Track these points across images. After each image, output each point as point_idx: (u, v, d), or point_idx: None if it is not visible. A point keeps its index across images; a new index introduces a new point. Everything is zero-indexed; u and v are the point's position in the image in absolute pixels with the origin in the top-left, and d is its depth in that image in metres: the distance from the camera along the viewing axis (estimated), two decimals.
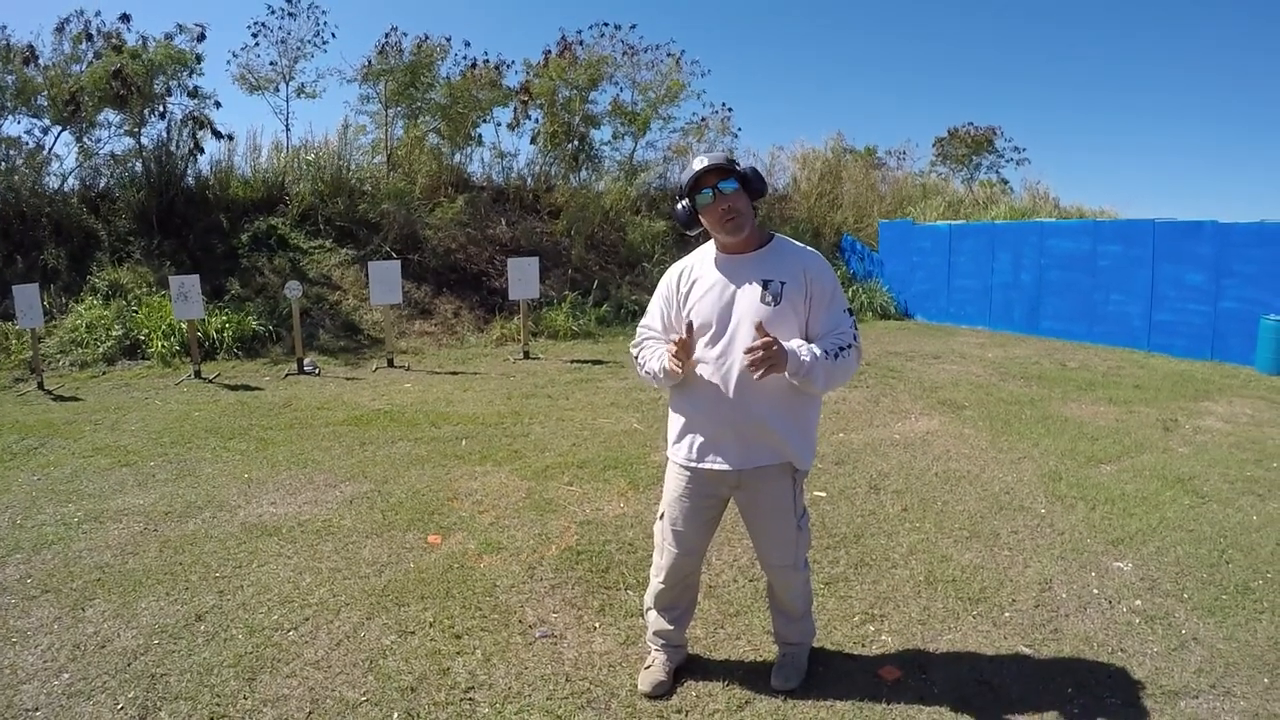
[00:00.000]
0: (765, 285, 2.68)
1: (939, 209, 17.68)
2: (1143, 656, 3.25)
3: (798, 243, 2.83)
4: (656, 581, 3.03)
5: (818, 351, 2.58)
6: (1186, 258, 10.91)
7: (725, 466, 2.75)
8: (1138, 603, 3.71)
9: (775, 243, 2.79)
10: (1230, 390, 8.48)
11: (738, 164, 2.73)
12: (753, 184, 2.72)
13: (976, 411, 7.43)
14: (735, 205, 2.67)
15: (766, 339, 2.50)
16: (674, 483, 2.91)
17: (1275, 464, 5.78)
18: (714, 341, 2.72)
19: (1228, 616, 3.56)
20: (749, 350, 2.50)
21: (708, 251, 2.86)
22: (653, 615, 3.11)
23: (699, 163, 2.67)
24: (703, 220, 2.75)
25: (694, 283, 2.82)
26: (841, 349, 2.64)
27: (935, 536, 4.50)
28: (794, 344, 2.57)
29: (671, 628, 3.07)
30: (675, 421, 2.88)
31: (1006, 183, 22.75)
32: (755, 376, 2.52)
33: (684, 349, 2.65)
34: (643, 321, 3.00)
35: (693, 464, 2.81)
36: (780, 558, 2.87)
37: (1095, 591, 3.82)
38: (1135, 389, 8.49)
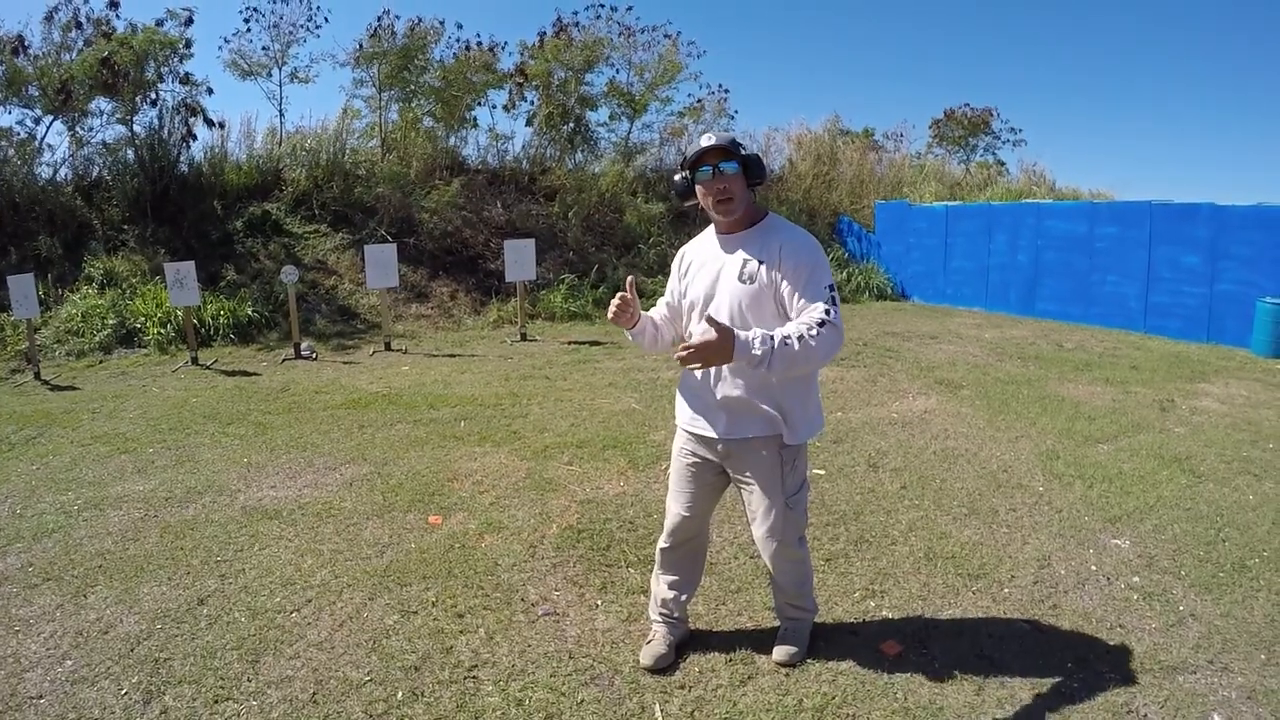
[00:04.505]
0: (743, 265, 2.72)
1: (935, 190, 17.65)
2: (1141, 632, 3.27)
3: (788, 222, 2.84)
4: (661, 542, 3.11)
5: (776, 339, 2.46)
6: (1183, 240, 10.89)
7: (712, 434, 2.84)
8: (1136, 579, 3.73)
9: (765, 221, 2.81)
10: (1226, 372, 8.50)
11: (743, 147, 2.76)
12: (753, 170, 2.74)
13: (974, 391, 7.44)
14: (730, 187, 2.70)
15: (700, 340, 2.46)
16: (676, 442, 3.04)
17: (1271, 445, 5.81)
18: (700, 319, 2.78)
19: (1224, 594, 3.59)
20: (683, 347, 2.49)
21: (709, 231, 2.94)
22: (656, 583, 3.16)
23: (706, 139, 2.71)
24: (698, 194, 2.79)
25: (691, 262, 2.94)
26: (809, 332, 2.48)
27: (934, 514, 4.52)
28: (749, 334, 2.48)
29: (673, 595, 3.11)
30: (679, 385, 3.03)
31: (1003, 164, 22.71)
32: (691, 369, 2.57)
33: (623, 304, 2.86)
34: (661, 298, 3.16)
35: (688, 427, 2.94)
36: (767, 532, 2.87)
37: (1094, 568, 3.85)
38: (1132, 370, 8.51)
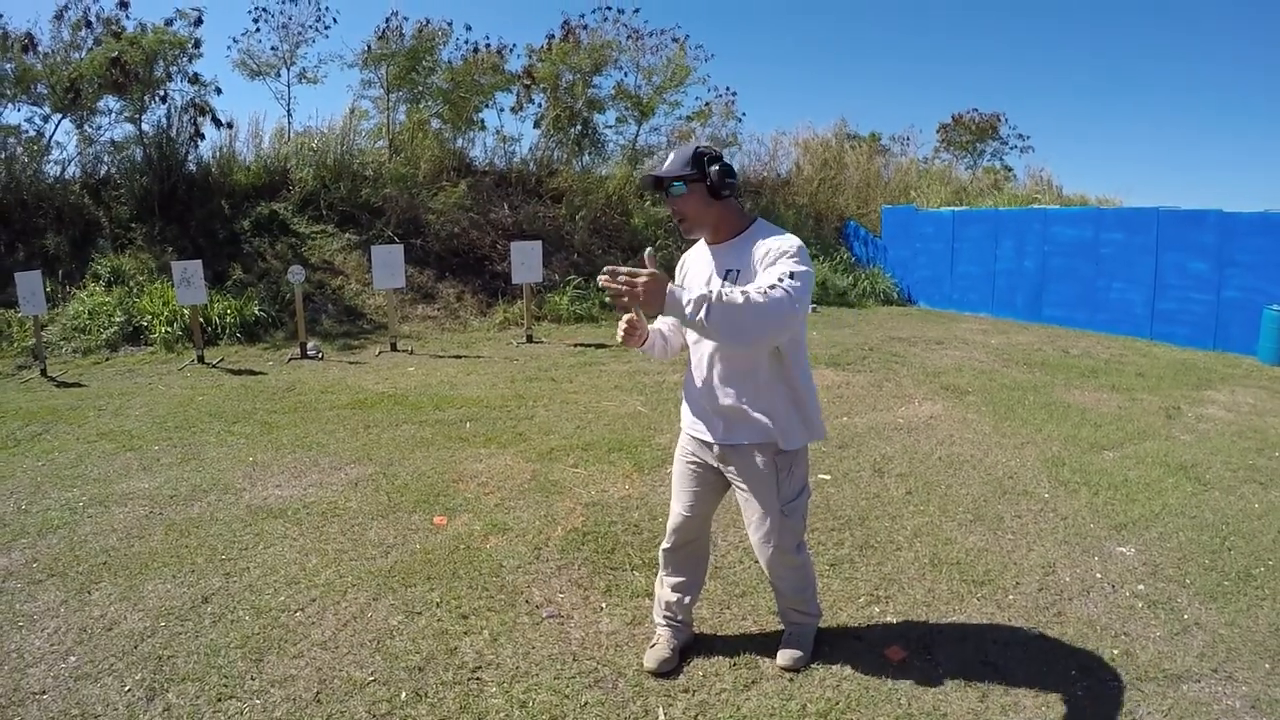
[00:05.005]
0: (725, 276, 2.71)
1: (942, 195, 17.64)
2: (1145, 640, 3.27)
3: (773, 226, 2.77)
4: (664, 543, 3.12)
5: (714, 294, 2.30)
6: (1190, 247, 10.87)
7: (710, 439, 2.86)
8: (1140, 587, 3.72)
9: (749, 230, 2.76)
10: (1232, 379, 8.48)
11: (709, 154, 2.68)
12: (712, 184, 2.66)
13: (979, 397, 7.43)
14: (680, 209, 2.71)
15: (630, 270, 2.32)
16: (679, 443, 3.07)
17: (1277, 453, 5.79)
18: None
19: (1229, 602, 3.58)
20: (609, 269, 2.34)
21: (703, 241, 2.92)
22: (660, 586, 3.17)
23: (667, 165, 2.70)
24: None
25: (688, 272, 2.95)
26: (756, 290, 2.33)
27: (939, 519, 4.52)
28: (687, 287, 2.46)
29: (677, 598, 3.11)
30: (684, 390, 3.03)
31: (1010, 170, 22.69)
32: (616, 302, 2.38)
33: (630, 326, 2.81)
34: None
35: (689, 430, 2.96)
36: (763, 538, 2.87)
37: (1098, 576, 3.84)
38: (1138, 377, 8.49)
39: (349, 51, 14.93)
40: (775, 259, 2.54)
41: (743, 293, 2.32)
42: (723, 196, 2.71)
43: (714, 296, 2.29)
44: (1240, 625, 3.38)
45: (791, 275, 2.42)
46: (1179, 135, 46.02)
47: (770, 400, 2.74)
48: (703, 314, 2.28)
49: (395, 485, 5.07)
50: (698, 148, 2.72)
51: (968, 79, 48.58)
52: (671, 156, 2.71)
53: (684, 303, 2.30)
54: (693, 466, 2.97)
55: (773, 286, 2.36)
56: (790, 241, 2.59)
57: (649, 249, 2.79)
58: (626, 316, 2.81)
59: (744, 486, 2.86)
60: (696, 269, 2.88)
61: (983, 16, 51.26)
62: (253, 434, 6.30)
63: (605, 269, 2.33)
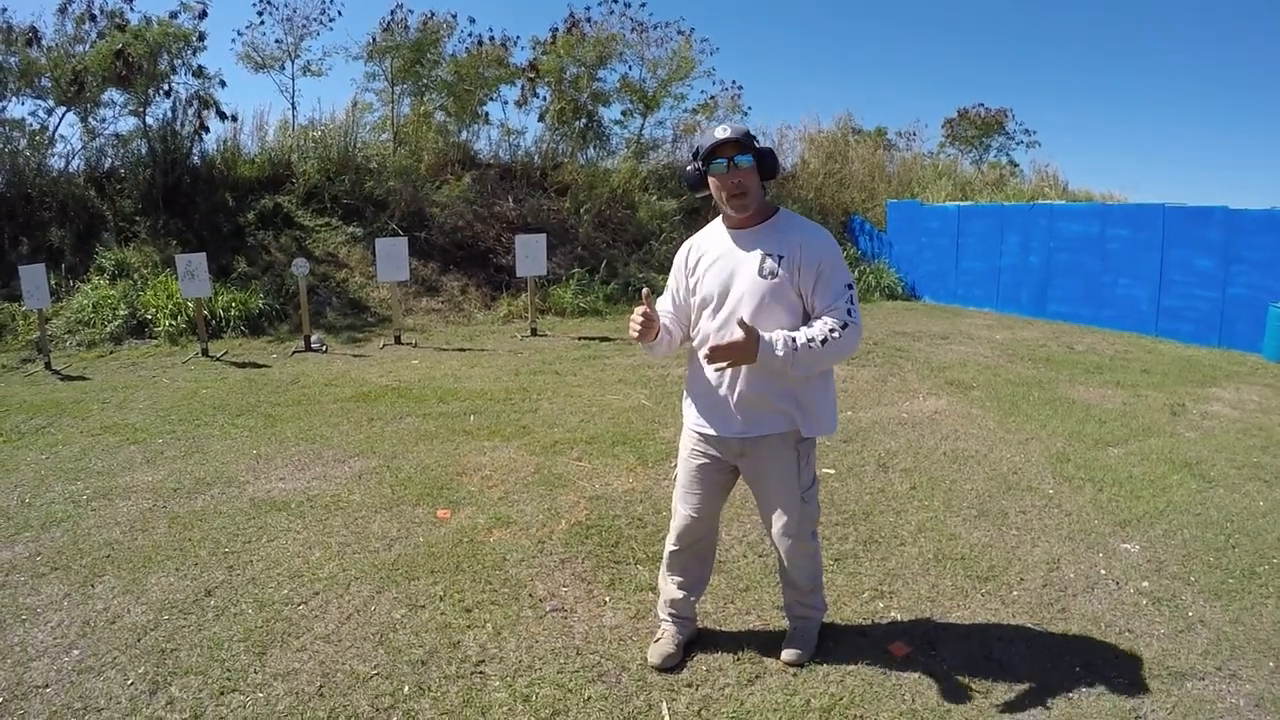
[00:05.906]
0: (763, 260, 2.70)
1: (947, 190, 17.58)
2: (1150, 637, 3.26)
3: (802, 217, 2.84)
4: (669, 544, 3.10)
5: (799, 341, 2.57)
6: (1196, 243, 10.81)
7: (727, 433, 2.82)
8: (1145, 584, 3.71)
9: (778, 216, 2.79)
10: (1238, 377, 8.44)
11: (757, 141, 2.75)
12: (767, 164, 2.73)
13: (984, 392, 7.42)
14: (745, 181, 2.69)
15: (728, 341, 2.60)
16: (684, 444, 3.01)
17: None
18: (715, 314, 2.79)
19: (1234, 600, 3.57)
20: (710, 348, 2.60)
21: (716, 226, 2.91)
22: (664, 582, 3.15)
23: (721, 131, 2.68)
24: (710, 187, 2.76)
25: (700, 258, 2.89)
26: (831, 333, 2.58)
27: (944, 515, 4.51)
28: (772, 336, 2.57)
29: (681, 595, 3.09)
30: (688, 386, 2.98)
31: (1016, 165, 22.59)
32: (714, 368, 2.67)
33: (647, 321, 2.77)
34: (659, 298, 3.08)
35: (699, 428, 2.90)
36: (784, 527, 2.87)
37: (1103, 572, 3.83)
38: (1143, 373, 8.46)
39: (353, 44, 14.97)
40: (831, 272, 2.69)
41: (823, 340, 2.58)
42: (767, 179, 2.76)
43: (798, 345, 2.57)
44: (1244, 623, 3.37)
45: (851, 300, 2.66)
46: (1185, 132, 45.87)
47: (797, 388, 2.74)
48: (788, 366, 2.59)
49: (399, 478, 5.07)
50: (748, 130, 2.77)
51: (974, 74, 48.40)
52: (729, 128, 2.69)
53: (776, 353, 2.57)
54: (701, 465, 2.93)
55: (844, 325, 2.61)
56: (834, 246, 2.75)
57: (645, 289, 2.82)
58: (640, 310, 2.77)
59: (765, 477, 2.85)
60: (715, 255, 2.82)
61: (990, 11, 51.10)
62: (256, 427, 6.30)
63: (713, 363, 2.63)
